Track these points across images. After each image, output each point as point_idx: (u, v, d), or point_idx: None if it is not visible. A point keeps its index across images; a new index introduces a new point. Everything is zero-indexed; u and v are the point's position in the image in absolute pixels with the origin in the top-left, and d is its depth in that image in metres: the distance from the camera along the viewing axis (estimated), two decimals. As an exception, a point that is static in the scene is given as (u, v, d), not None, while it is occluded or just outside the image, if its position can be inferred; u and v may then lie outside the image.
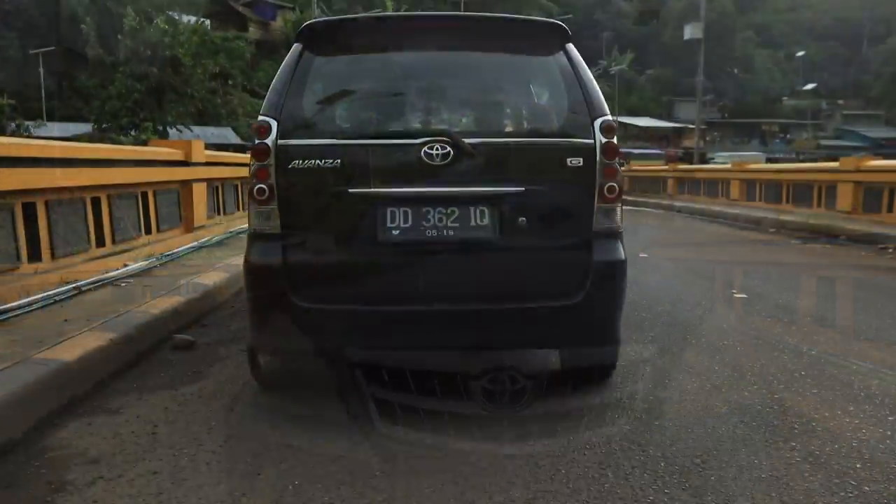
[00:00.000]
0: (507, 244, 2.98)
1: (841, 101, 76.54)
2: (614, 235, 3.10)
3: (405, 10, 61.02)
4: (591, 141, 3.02)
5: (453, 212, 2.96)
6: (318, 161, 2.95)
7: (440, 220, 2.95)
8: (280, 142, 2.97)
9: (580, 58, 3.25)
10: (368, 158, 2.99)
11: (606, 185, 3.01)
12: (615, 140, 3.07)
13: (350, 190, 2.96)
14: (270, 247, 3.05)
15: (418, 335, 3.09)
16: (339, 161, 2.95)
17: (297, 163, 2.96)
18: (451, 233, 2.96)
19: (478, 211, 2.97)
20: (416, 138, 2.97)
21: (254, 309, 3.22)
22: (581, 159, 3.00)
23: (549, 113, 3.47)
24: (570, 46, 3.27)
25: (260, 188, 3.00)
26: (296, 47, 3.17)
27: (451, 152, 2.90)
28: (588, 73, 3.21)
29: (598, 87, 3.19)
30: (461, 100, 3.57)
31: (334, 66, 3.36)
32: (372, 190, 2.97)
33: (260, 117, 3.05)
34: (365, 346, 3.13)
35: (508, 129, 3.49)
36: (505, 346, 3.34)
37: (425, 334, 3.08)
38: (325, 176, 2.95)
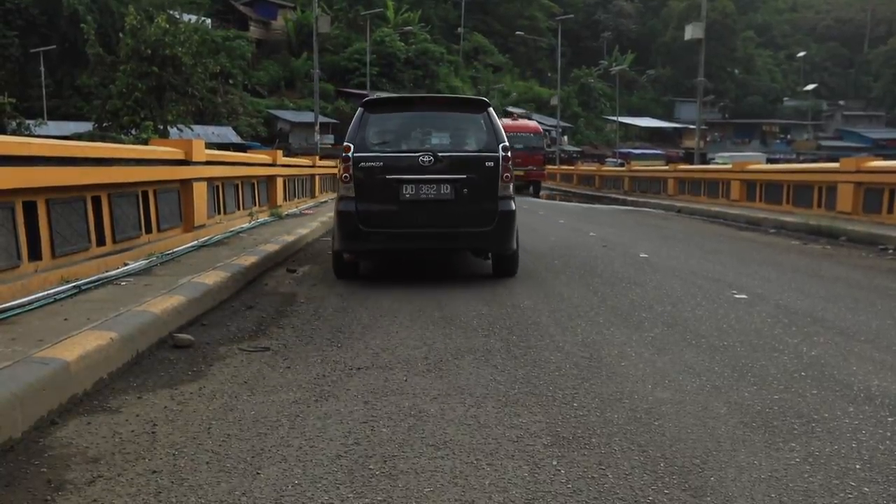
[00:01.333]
0: (458, 202, 6.33)
1: (842, 102, 76.57)
2: (509, 198, 6.48)
3: (405, 12, 61.01)
4: (497, 154, 6.41)
5: (433, 186, 6.30)
6: (371, 163, 6.37)
7: (427, 190, 6.30)
8: (354, 154, 6.35)
9: (494, 114, 6.74)
10: (395, 162, 6.45)
11: (504, 175, 6.38)
12: (509, 154, 6.43)
13: (387, 176, 6.31)
14: (349, 202, 6.33)
15: (419, 242, 6.60)
16: (381, 163, 6.39)
17: (362, 164, 6.33)
18: (433, 195, 6.30)
19: (444, 186, 6.32)
20: (416, 153, 6.42)
21: (341, 232, 6.44)
22: (493, 162, 6.38)
23: (479, 141, 6.72)
24: (490, 109, 6.75)
25: (345, 176, 6.35)
26: (360, 109, 6.66)
27: (433, 159, 6.28)
28: (497, 122, 6.70)
29: (502, 128, 6.72)
30: (438, 135, 7.03)
31: (378, 118, 6.79)
32: (396, 176, 6.30)
33: (345, 143, 6.44)
34: (393, 248, 6.73)
35: (460, 148, 6.85)
36: (458, 248, 7.38)
37: (422, 242, 6.59)
38: (374, 169, 6.35)
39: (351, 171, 6.29)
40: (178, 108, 32.17)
